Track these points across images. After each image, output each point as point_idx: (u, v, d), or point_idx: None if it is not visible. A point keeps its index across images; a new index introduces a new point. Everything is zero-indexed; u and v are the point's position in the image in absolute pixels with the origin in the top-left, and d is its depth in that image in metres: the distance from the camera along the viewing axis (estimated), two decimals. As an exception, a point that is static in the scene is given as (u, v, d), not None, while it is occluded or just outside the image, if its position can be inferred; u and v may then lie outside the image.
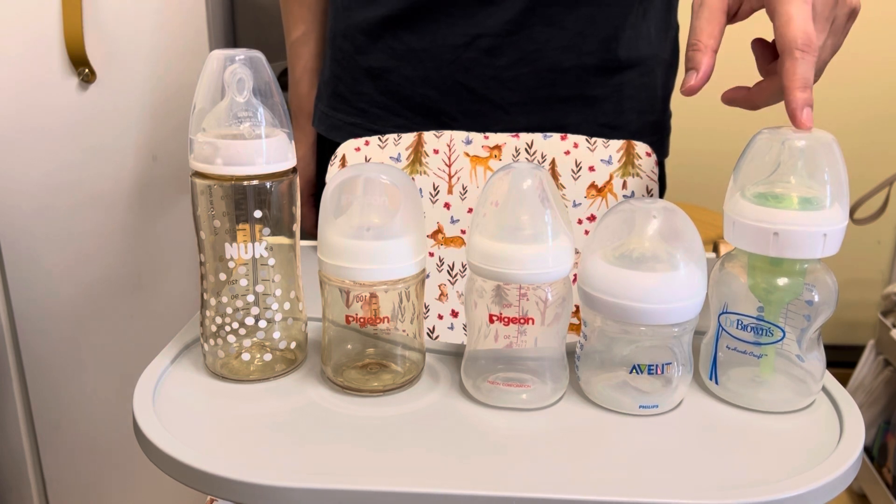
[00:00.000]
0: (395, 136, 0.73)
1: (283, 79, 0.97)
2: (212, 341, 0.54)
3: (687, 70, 0.56)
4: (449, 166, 0.72)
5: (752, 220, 0.48)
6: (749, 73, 0.61)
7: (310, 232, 0.86)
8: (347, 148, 0.73)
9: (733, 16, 0.58)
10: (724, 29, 0.57)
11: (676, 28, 0.84)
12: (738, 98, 0.60)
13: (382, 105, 0.80)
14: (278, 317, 0.54)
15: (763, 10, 0.56)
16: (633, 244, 0.49)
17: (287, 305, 0.54)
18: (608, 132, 0.75)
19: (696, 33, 0.56)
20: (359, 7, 0.79)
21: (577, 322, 0.67)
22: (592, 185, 0.70)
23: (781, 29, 0.52)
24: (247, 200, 0.51)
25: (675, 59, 0.85)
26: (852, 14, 0.57)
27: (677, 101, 0.88)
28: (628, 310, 0.47)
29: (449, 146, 0.72)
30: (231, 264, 0.52)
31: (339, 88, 0.83)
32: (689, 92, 0.56)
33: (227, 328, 0.53)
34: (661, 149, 0.84)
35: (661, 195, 0.87)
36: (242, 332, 0.53)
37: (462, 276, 0.72)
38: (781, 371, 0.52)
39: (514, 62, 0.75)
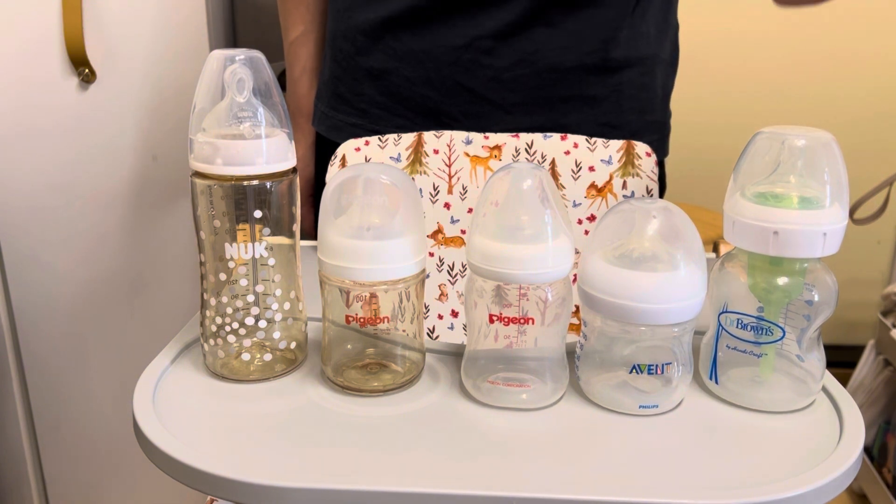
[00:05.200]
0: (395, 136, 0.73)
1: (283, 79, 0.97)
2: (212, 341, 0.54)
3: None
4: (449, 166, 0.72)
5: (751, 220, 0.48)
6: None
7: (309, 232, 0.86)
8: (347, 148, 0.73)
9: None
10: None
11: (676, 27, 0.84)
12: None
13: (383, 105, 0.80)
14: (278, 317, 0.54)
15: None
16: (633, 244, 0.49)
17: (287, 305, 0.54)
18: (608, 131, 0.75)
19: None
20: (359, 8, 0.79)
21: (577, 322, 0.67)
22: (592, 185, 0.70)
23: None
24: (247, 200, 0.51)
25: (675, 57, 0.85)
26: None
27: (677, 101, 0.88)
28: (628, 310, 0.47)
29: (449, 146, 0.72)
30: (231, 264, 0.52)
31: (340, 89, 0.83)
32: None
33: (227, 328, 0.53)
34: (661, 148, 0.84)
35: (661, 195, 0.87)
36: (242, 332, 0.53)
37: (462, 276, 0.72)
38: (781, 371, 0.52)
39: (514, 63, 0.75)
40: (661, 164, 0.86)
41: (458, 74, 0.76)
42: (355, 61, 0.81)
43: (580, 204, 0.70)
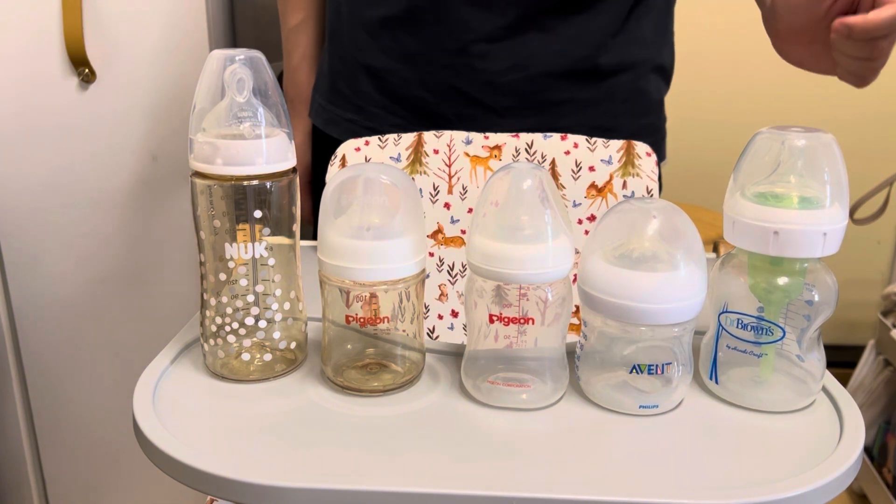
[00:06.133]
0: (395, 136, 0.73)
1: (282, 79, 0.97)
2: (212, 341, 0.54)
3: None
4: (449, 166, 0.72)
5: (752, 220, 0.48)
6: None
7: (308, 219, 0.86)
8: (347, 148, 0.73)
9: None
10: None
11: (672, 32, 0.84)
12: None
13: (380, 104, 0.80)
14: (278, 317, 0.54)
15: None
16: (633, 244, 0.49)
17: (287, 305, 0.54)
18: (602, 135, 0.75)
19: None
20: (361, 4, 0.79)
21: (577, 322, 0.67)
22: (592, 185, 0.70)
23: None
24: (247, 200, 0.51)
25: (671, 62, 0.85)
26: None
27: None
28: (628, 310, 0.47)
29: (449, 146, 0.72)
30: (231, 264, 0.52)
31: (338, 84, 0.83)
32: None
33: (227, 328, 0.53)
34: (657, 152, 0.84)
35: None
36: (242, 332, 0.53)
37: (462, 276, 0.72)
38: (781, 371, 0.52)
39: (508, 67, 0.76)
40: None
41: (452, 78, 0.77)
42: (354, 58, 0.81)
43: (580, 204, 0.70)
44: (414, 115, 0.79)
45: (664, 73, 0.84)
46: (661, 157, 0.86)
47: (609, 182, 0.70)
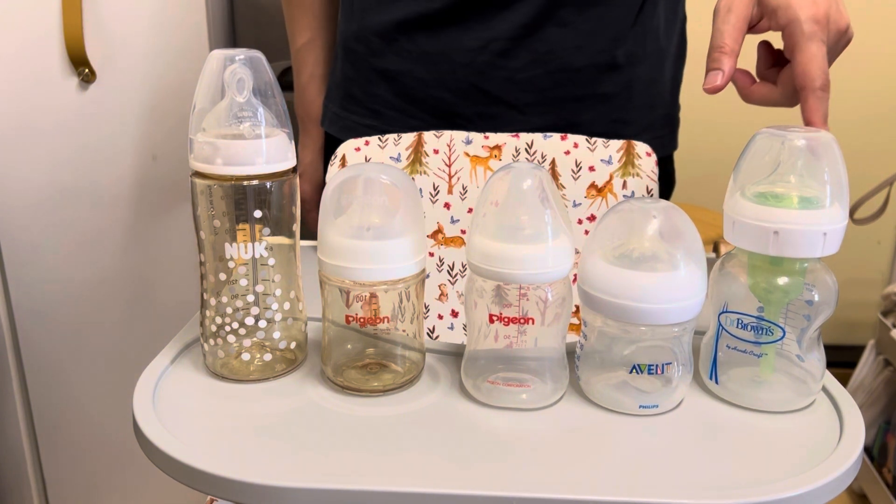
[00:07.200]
0: (395, 136, 0.73)
1: (283, 78, 0.97)
2: (212, 341, 0.54)
3: (711, 70, 0.59)
4: (449, 166, 0.72)
5: (752, 220, 0.48)
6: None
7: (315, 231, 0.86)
8: (347, 148, 0.73)
9: (752, 27, 0.60)
10: (744, 37, 0.60)
11: (684, 19, 0.85)
12: (739, 83, 0.63)
13: (397, 107, 0.80)
14: (278, 317, 0.54)
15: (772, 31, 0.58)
16: (633, 244, 0.49)
17: (287, 305, 0.54)
18: (620, 128, 0.75)
19: (722, 37, 0.59)
20: (374, 10, 0.79)
21: (577, 322, 0.67)
22: (592, 185, 0.70)
23: (804, 66, 0.56)
24: (247, 200, 0.51)
25: (683, 50, 0.85)
26: (847, 42, 0.60)
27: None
28: (628, 310, 0.47)
29: (449, 146, 0.72)
30: (231, 264, 0.52)
31: (352, 90, 0.83)
32: (712, 90, 0.59)
33: (227, 328, 0.53)
34: (671, 142, 0.85)
35: (671, 190, 0.87)
36: (242, 332, 0.53)
37: (462, 276, 0.72)
38: (781, 371, 0.52)
39: (528, 64, 0.76)
40: (670, 158, 0.86)
41: (474, 76, 0.77)
42: (369, 62, 0.81)
43: (580, 204, 0.70)
44: (432, 115, 0.79)
45: (678, 60, 0.84)
46: (674, 146, 0.86)
47: (609, 182, 0.70)
